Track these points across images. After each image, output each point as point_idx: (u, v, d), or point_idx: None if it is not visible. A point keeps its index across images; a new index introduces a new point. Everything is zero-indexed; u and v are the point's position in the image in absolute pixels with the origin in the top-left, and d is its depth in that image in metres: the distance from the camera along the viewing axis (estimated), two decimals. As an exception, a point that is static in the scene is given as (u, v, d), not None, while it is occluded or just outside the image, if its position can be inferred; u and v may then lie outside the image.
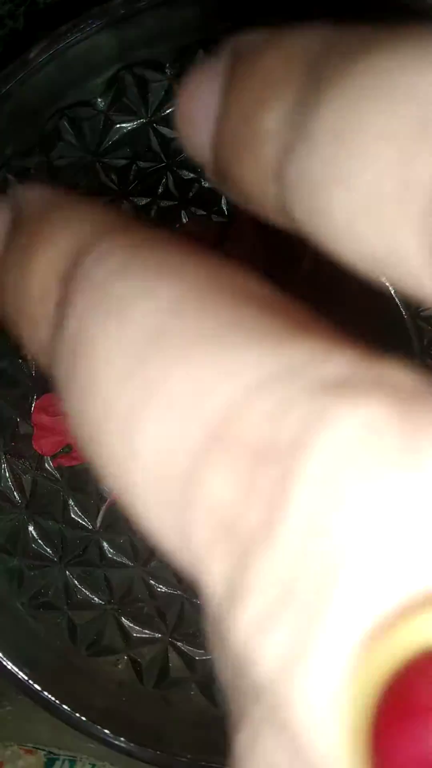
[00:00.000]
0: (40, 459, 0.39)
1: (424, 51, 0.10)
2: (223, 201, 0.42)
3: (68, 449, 0.38)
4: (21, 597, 0.37)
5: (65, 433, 0.37)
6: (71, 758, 0.45)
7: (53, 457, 0.39)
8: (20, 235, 0.12)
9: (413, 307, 0.42)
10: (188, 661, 0.38)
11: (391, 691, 0.08)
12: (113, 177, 0.38)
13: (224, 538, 0.09)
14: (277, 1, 0.34)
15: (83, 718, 0.34)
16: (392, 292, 0.42)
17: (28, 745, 0.45)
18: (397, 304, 0.42)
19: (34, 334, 0.12)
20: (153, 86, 0.36)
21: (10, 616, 0.36)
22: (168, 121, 0.38)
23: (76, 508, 0.40)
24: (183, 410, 0.09)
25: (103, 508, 0.39)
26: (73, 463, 0.38)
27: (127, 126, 0.37)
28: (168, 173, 0.40)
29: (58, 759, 0.45)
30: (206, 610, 0.10)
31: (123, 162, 0.38)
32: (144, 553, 0.40)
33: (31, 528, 0.39)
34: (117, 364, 0.10)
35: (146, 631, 0.39)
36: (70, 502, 0.40)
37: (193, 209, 0.41)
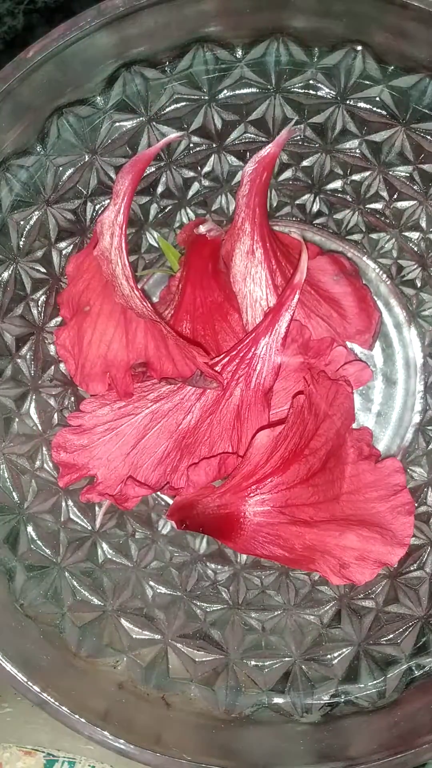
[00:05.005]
0: (39, 459, 0.39)
1: None
2: (223, 200, 0.41)
3: (91, 480, 0.38)
4: (20, 598, 0.37)
5: (87, 466, 0.37)
6: (70, 760, 0.45)
7: (51, 457, 0.39)
8: None
9: (413, 306, 0.42)
10: (188, 662, 0.38)
11: None
12: (113, 176, 0.38)
13: None
14: None
15: (82, 720, 0.34)
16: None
17: (28, 746, 0.45)
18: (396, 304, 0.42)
19: None
20: (153, 85, 0.36)
21: (9, 617, 0.36)
22: (168, 119, 0.38)
23: (75, 509, 0.40)
24: None
25: (102, 509, 0.39)
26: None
27: (127, 124, 0.37)
28: (168, 172, 0.40)
29: (57, 761, 0.45)
30: None
31: (123, 161, 0.38)
32: (143, 554, 0.40)
33: (29, 529, 0.39)
34: None
35: (146, 633, 0.39)
36: (69, 502, 0.40)
37: (193, 209, 0.41)
